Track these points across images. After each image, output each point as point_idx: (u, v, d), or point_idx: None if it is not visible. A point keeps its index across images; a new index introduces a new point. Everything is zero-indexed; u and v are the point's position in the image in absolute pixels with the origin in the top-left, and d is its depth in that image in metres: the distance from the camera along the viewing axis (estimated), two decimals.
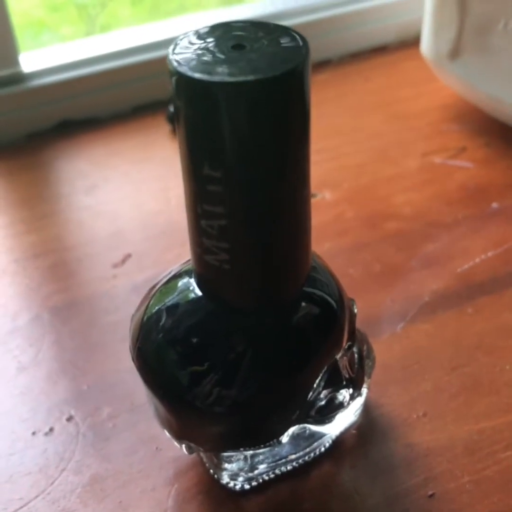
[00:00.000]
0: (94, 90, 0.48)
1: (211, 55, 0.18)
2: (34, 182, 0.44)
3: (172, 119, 0.47)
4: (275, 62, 0.18)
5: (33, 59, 0.48)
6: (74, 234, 0.40)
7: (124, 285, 0.36)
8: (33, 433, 0.29)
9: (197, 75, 0.18)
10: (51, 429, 0.29)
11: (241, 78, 0.17)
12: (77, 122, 0.48)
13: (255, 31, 0.19)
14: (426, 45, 0.45)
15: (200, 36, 0.19)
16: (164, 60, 0.51)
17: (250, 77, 0.17)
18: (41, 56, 0.48)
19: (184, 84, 0.18)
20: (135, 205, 0.42)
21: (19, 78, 0.47)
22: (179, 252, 0.38)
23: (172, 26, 0.51)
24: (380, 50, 0.54)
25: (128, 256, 0.38)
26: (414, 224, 0.39)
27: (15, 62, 0.47)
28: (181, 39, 0.19)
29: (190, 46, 0.19)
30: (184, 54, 0.19)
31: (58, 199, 0.43)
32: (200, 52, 0.19)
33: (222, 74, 0.18)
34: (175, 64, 0.18)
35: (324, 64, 0.53)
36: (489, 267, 0.35)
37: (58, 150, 0.47)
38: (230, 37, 0.19)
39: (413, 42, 0.52)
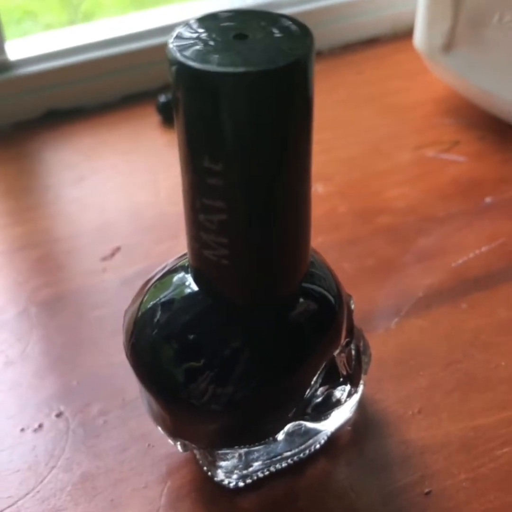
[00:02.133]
0: (82, 79, 0.48)
1: (212, 45, 0.18)
2: (20, 172, 0.43)
3: (162, 109, 0.46)
4: (278, 53, 0.17)
5: (20, 47, 0.47)
6: (62, 227, 0.39)
7: (113, 278, 0.36)
8: (22, 430, 0.29)
9: (198, 65, 0.17)
10: (40, 426, 0.29)
11: (243, 69, 0.17)
12: (64, 112, 0.48)
13: (257, 20, 0.19)
14: (419, 38, 0.45)
15: (201, 24, 0.19)
16: (152, 49, 0.51)
17: (253, 68, 0.17)
18: (27, 44, 0.47)
19: (185, 74, 0.17)
20: (124, 197, 0.41)
21: (5, 66, 0.46)
22: (169, 245, 0.37)
23: (161, 15, 0.50)
24: (372, 42, 0.54)
25: (118, 249, 0.37)
26: (407, 218, 0.38)
27: (1, 50, 0.46)
28: (181, 28, 0.19)
29: (191, 34, 0.18)
30: (185, 43, 0.18)
31: (45, 190, 0.42)
32: (201, 41, 0.18)
33: (223, 64, 0.17)
34: (175, 53, 0.18)
35: (315, 56, 0.52)
36: (483, 262, 0.35)
37: (44, 140, 0.46)
38: (232, 26, 0.19)
39: (406, 34, 0.51)
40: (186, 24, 0.19)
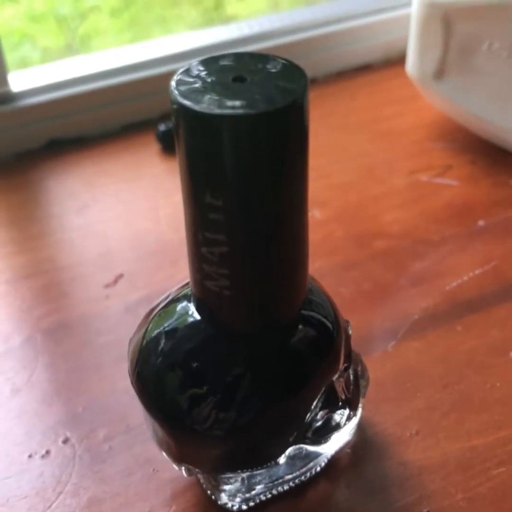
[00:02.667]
0: (83, 109, 0.49)
1: (212, 87, 0.19)
2: (23, 202, 0.44)
3: (162, 138, 0.47)
4: (276, 95, 0.18)
5: (22, 78, 0.48)
6: (65, 255, 0.40)
7: (116, 305, 0.36)
8: (29, 456, 0.29)
9: (199, 108, 0.18)
10: (47, 452, 0.29)
11: (242, 112, 0.18)
12: (66, 141, 0.49)
13: (255, 63, 0.20)
14: (411, 65, 0.46)
15: (202, 67, 0.20)
16: (151, 79, 0.52)
17: (252, 111, 0.18)
18: (30, 75, 0.49)
19: (186, 115, 0.18)
20: (126, 225, 0.42)
21: (8, 97, 0.47)
22: (170, 271, 0.38)
23: (159, 46, 0.51)
24: (365, 69, 0.55)
25: (120, 276, 0.38)
26: (402, 242, 0.39)
27: (4, 82, 0.47)
28: (183, 70, 0.20)
29: (192, 77, 0.19)
30: (186, 85, 0.19)
31: (49, 219, 0.43)
32: (202, 83, 0.19)
33: (223, 107, 0.18)
34: (177, 95, 0.19)
35: (310, 83, 0.53)
36: (477, 285, 0.36)
37: (47, 169, 0.47)
38: (231, 69, 0.19)
39: (398, 60, 0.53)
40: (188, 67, 0.20)
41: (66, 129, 0.48)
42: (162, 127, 0.47)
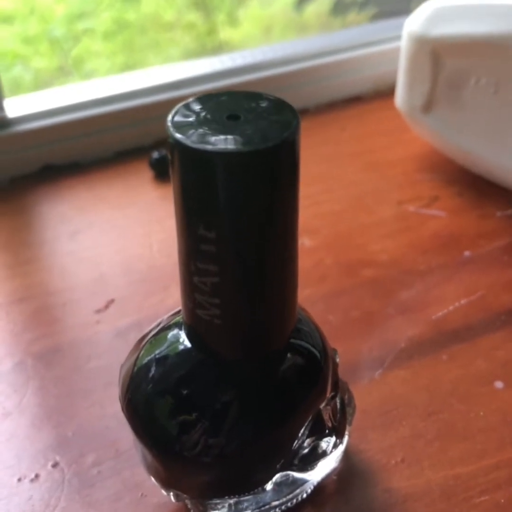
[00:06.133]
0: (77, 136, 0.49)
1: (207, 125, 0.19)
2: (17, 226, 0.45)
3: (155, 165, 0.48)
4: (268, 133, 0.19)
5: (18, 104, 0.49)
6: (58, 280, 0.40)
7: (107, 330, 0.37)
8: (19, 480, 0.30)
9: (194, 144, 0.19)
10: (37, 476, 0.30)
11: (236, 149, 0.18)
12: (60, 167, 0.49)
13: (248, 102, 0.20)
14: (400, 98, 0.47)
15: (197, 104, 0.20)
16: (145, 107, 0.53)
17: (245, 148, 0.18)
18: (25, 101, 0.49)
19: (182, 151, 0.19)
20: (118, 250, 0.42)
21: (4, 123, 0.48)
22: (161, 297, 0.39)
23: (155, 75, 0.52)
24: (355, 100, 0.56)
25: (111, 301, 0.39)
26: (390, 271, 0.40)
27: (0, 108, 0.47)
28: (179, 107, 0.20)
29: (188, 114, 0.20)
30: (182, 122, 0.20)
31: (41, 244, 0.43)
32: (197, 120, 0.20)
33: (217, 144, 0.19)
34: (173, 131, 0.19)
35: (301, 113, 0.54)
36: (463, 315, 0.37)
37: (41, 194, 0.47)
38: (226, 107, 0.20)
39: (388, 92, 0.54)
40: (185, 103, 0.21)
41: (60, 155, 0.49)
42: (155, 155, 0.48)
